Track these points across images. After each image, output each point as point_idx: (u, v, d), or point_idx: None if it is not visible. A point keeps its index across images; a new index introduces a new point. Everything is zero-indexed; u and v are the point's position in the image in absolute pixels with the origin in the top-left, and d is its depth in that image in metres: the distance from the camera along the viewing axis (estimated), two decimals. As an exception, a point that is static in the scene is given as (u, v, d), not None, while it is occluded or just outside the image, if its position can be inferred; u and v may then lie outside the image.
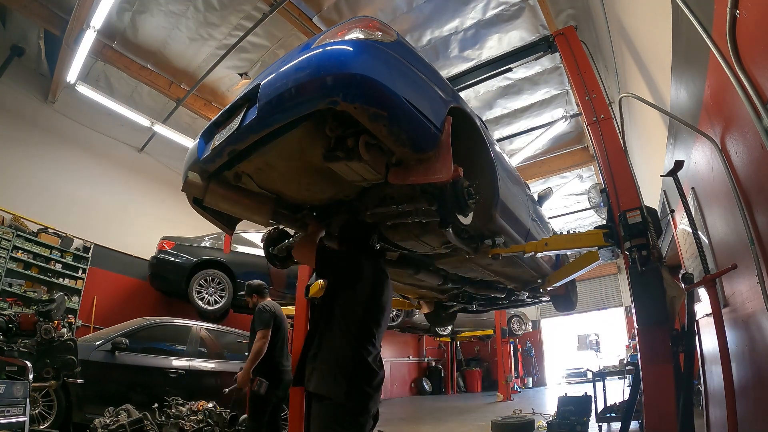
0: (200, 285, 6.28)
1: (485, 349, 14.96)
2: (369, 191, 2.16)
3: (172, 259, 6.50)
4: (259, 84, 1.71)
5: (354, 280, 1.96)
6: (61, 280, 6.51)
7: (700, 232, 2.80)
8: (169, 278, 6.49)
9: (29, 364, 3.20)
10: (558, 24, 5.33)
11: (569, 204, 10.59)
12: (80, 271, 6.76)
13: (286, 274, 6.83)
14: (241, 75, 6.52)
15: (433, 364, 14.09)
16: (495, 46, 5.92)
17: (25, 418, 2.96)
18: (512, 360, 11.61)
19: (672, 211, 3.98)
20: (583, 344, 13.74)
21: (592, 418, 4.89)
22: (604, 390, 5.28)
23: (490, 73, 4.17)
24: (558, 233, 3.65)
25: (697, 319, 2.77)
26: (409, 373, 13.59)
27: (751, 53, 1.64)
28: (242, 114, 1.78)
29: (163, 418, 4.18)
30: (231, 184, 2.06)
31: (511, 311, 11.59)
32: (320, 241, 2.26)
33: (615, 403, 5.00)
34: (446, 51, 6.04)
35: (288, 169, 1.95)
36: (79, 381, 3.83)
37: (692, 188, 2.94)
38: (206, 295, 6.28)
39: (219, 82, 6.78)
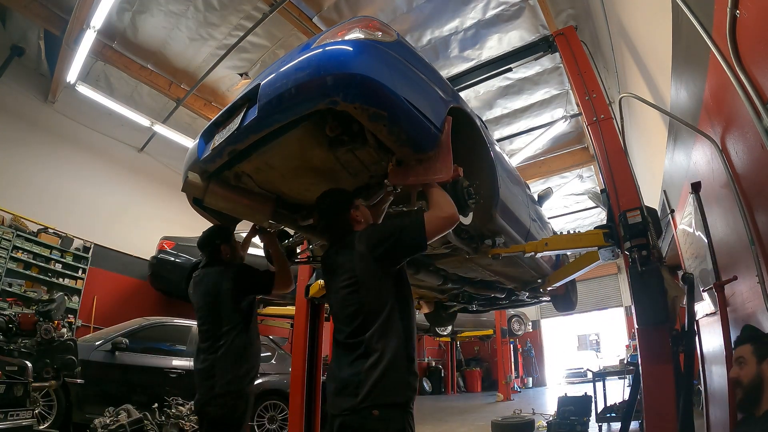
0: (200, 285, 6.29)
1: (485, 349, 14.96)
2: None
3: (172, 259, 6.50)
4: (259, 84, 1.71)
5: None
6: (61, 280, 6.51)
7: (700, 233, 2.80)
8: (169, 278, 6.49)
9: (29, 364, 3.20)
10: (558, 24, 5.33)
11: (569, 204, 10.59)
12: (80, 271, 6.76)
13: (286, 274, 6.82)
14: (241, 75, 6.52)
15: (433, 364, 14.07)
16: (495, 46, 5.92)
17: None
18: (512, 360, 11.60)
19: (672, 211, 3.98)
20: (583, 344, 13.78)
21: (592, 418, 4.89)
22: (604, 390, 5.28)
23: (490, 73, 4.16)
24: (558, 233, 3.65)
25: (697, 319, 2.77)
26: (409, 373, 13.57)
27: (751, 53, 1.64)
28: (242, 114, 1.78)
29: (163, 418, 4.18)
30: (231, 184, 2.06)
31: (511, 311, 11.59)
32: None
33: (615, 403, 5.00)
34: (446, 51, 6.04)
35: (288, 169, 1.95)
36: (79, 381, 3.82)
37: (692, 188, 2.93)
38: (206, 295, 6.28)
39: (219, 82, 6.78)
